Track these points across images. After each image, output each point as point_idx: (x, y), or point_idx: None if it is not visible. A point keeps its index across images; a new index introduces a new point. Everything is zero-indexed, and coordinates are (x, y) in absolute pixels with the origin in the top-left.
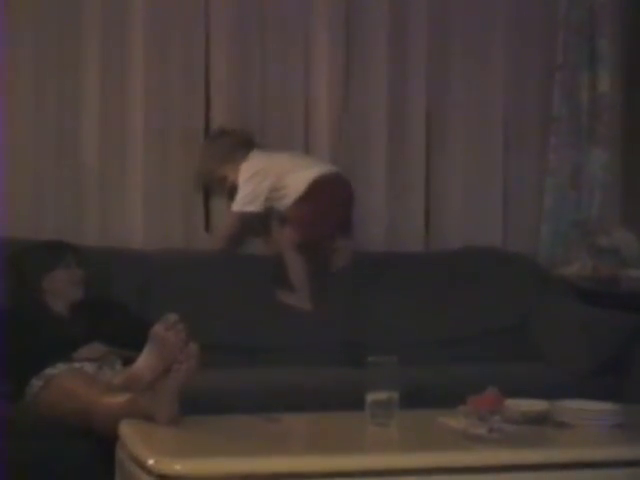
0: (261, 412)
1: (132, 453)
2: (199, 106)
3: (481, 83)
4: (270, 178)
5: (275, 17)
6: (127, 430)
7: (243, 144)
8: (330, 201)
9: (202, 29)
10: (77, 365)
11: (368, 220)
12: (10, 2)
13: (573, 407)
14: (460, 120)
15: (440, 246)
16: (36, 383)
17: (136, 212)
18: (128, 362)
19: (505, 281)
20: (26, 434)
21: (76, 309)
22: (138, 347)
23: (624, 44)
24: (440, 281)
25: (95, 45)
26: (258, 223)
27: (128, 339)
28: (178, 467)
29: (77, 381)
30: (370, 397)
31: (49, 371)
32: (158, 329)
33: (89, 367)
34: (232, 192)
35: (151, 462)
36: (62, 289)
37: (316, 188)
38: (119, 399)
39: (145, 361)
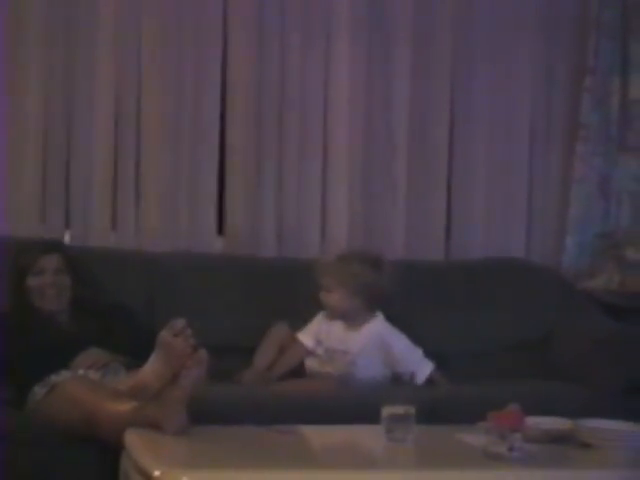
0: (272, 422)
1: (137, 464)
2: (214, 106)
3: (507, 87)
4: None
5: (296, 16)
6: (133, 439)
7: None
8: None
9: (219, 29)
10: (81, 372)
11: (388, 227)
12: None
13: (597, 427)
14: (484, 125)
15: (461, 255)
16: (39, 391)
17: (149, 214)
18: (132, 369)
19: (527, 294)
20: (29, 442)
21: (76, 311)
22: (141, 353)
23: None
24: (459, 292)
25: (108, 40)
26: None
27: (131, 345)
28: (185, 479)
29: (82, 387)
30: (386, 411)
31: (53, 378)
32: (165, 335)
33: (93, 374)
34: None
35: (157, 473)
36: (37, 295)
37: None
38: (125, 406)
39: (152, 368)
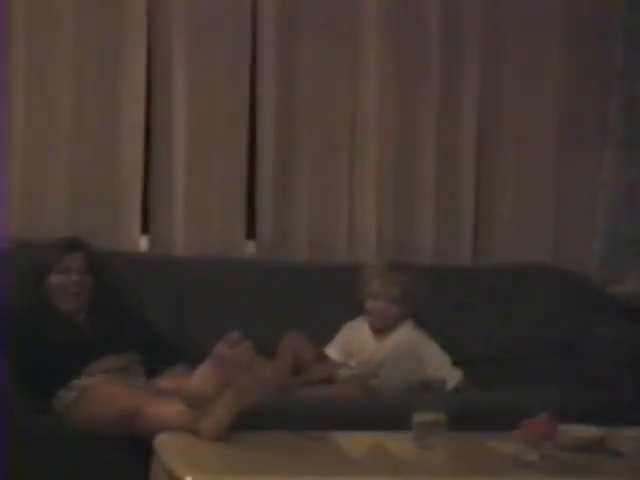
0: (299, 429)
1: (168, 468)
2: (244, 110)
3: (535, 93)
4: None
5: (324, 16)
6: (164, 442)
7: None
8: None
9: (248, 29)
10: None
11: (416, 232)
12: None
13: (630, 435)
14: (512, 131)
15: (488, 261)
16: (66, 394)
17: (178, 218)
18: (152, 374)
19: (556, 299)
20: (60, 444)
21: (93, 312)
22: (154, 356)
23: None
24: (488, 298)
25: (139, 44)
26: None
27: (143, 347)
28: None
29: (119, 388)
30: (417, 418)
31: (78, 382)
32: (221, 349)
33: (115, 378)
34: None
35: (189, 479)
36: (57, 294)
37: None
38: (172, 408)
39: (204, 379)
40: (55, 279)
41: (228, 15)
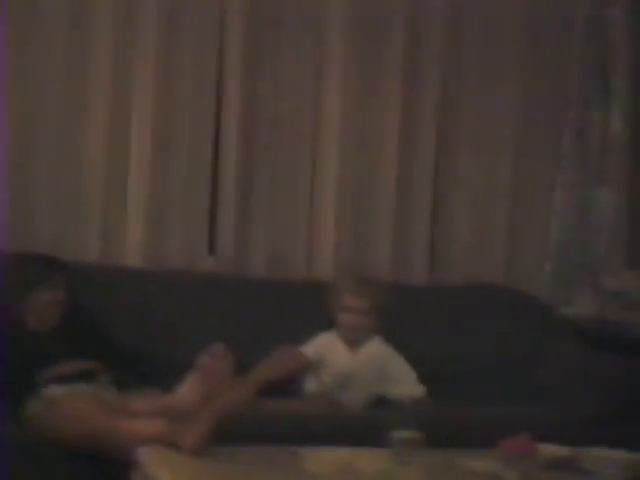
0: (282, 443)
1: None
2: (208, 122)
3: (492, 116)
4: None
5: (289, 33)
6: (148, 456)
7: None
8: None
9: (216, 44)
10: (76, 387)
11: (374, 249)
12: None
13: (597, 454)
14: (469, 154)
15: (443, 281)
16: (34, 405)
17: (137, 231)
18: (122, 386)
19: (507, 320)
20: (30, 458)
21: (56, 329)
22: (124, 370)
23: (639, 83)
24: (440, 317)
25: (104, 55)
26: None
27: (112, 361)
28: None
29: (88, 404)
30: (395, 435)
31: (48, 391)
32: (205, 360)
33: (85, 389)
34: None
35: None
36: (42, 310)
37: None
38: (152, 423)
39: (189, 391)
40: (44, 297)
41: (195, 33)
